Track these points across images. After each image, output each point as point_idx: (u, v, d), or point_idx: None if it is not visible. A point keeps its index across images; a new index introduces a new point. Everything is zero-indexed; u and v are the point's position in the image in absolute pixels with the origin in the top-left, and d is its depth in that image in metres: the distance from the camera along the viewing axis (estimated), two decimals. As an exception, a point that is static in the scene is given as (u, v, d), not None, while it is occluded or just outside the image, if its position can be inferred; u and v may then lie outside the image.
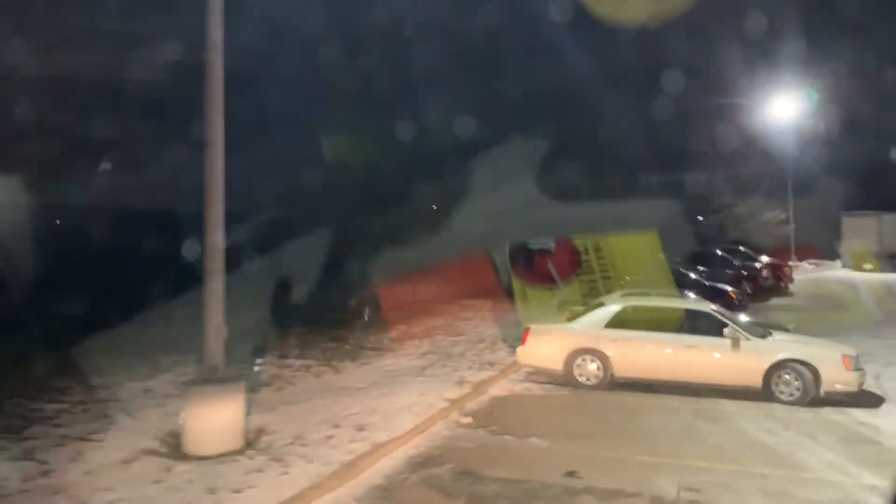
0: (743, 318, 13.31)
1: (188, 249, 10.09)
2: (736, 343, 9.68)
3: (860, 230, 33.71)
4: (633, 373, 10.25)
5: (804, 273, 33.48)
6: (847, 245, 35.30)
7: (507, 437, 8.04)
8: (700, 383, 9.87)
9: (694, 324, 10.11)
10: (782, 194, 39.38)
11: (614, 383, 10.30)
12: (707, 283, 18.71)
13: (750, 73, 40.21)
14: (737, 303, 17.96)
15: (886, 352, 12.97)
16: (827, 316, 18.71)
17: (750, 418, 8.77)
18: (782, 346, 9.74)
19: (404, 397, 9.21)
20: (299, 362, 11.37)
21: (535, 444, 7.81)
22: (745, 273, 23.41)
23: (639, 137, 32.86)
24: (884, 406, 9.28)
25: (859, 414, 8.89)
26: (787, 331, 12.19)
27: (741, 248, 28.79)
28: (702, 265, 23.15)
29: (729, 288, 18.76)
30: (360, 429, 7.83)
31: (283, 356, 11.76)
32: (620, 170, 30.89)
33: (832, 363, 9.30)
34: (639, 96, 33.19)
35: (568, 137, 28.96)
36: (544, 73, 31.77)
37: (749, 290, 22.04)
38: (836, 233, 37.05)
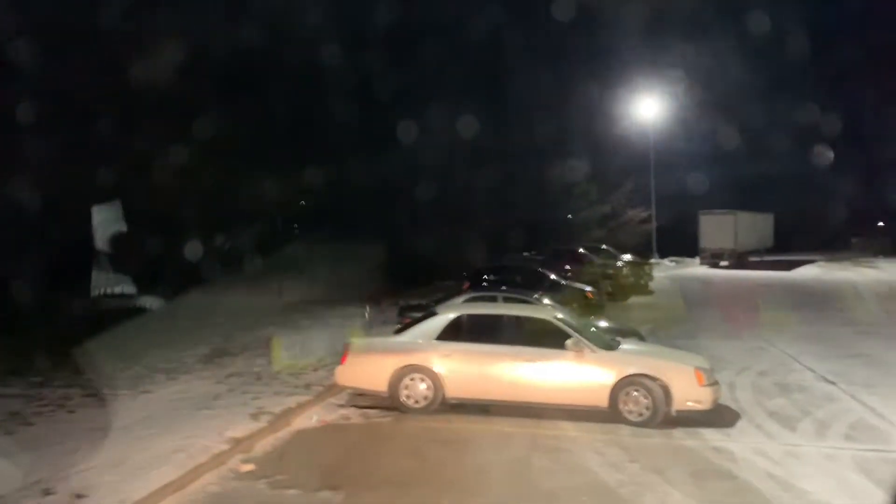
0: (601, 322, 12.28)
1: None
2: (580, 356, 8.36)
3: (717, 227, 34.54)
4: (467, 393, 8.72)
5: (665, 270, 33.89)
6: None
7: (291, 492, 6.23)
8: (541, 403, 8.50)
9: (534, 335, 8.71)
10: (646, 193, 40.03)
11: (447, 406, 8.74)
12: (563, 283, 17.77)
13: (615, 71, 40.73)
14: (594, 303, 17.15)
15: (741, 355, 12.27)
16: (684, 315, 18.24)
17: (593, 447, 7.43)
18: (630, 358, 8.52)
19: (174, 439, 7.18)
20: (59, 391, 9.03)
21: (325, 501, 6.05)
22: (606, 272, 22.97)
23: (505, 133, 32.14)
24: (739, 424, 8.22)
25: (713, 436, 7.77)
26: (640, 337, 11.17)
27: (603, 246, 28.56)
28: (565, 263, 22.55)
29: (587, 288, 17.92)
30: (82, 494, 5.75)
31: (43, 384, 9.38)
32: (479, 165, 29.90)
33: (684, 378, 8.15)
34: (503, 91, 32.53)
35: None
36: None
37: (610, 289, 21.57)
38: (695, 230, 37.88)
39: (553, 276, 18.23)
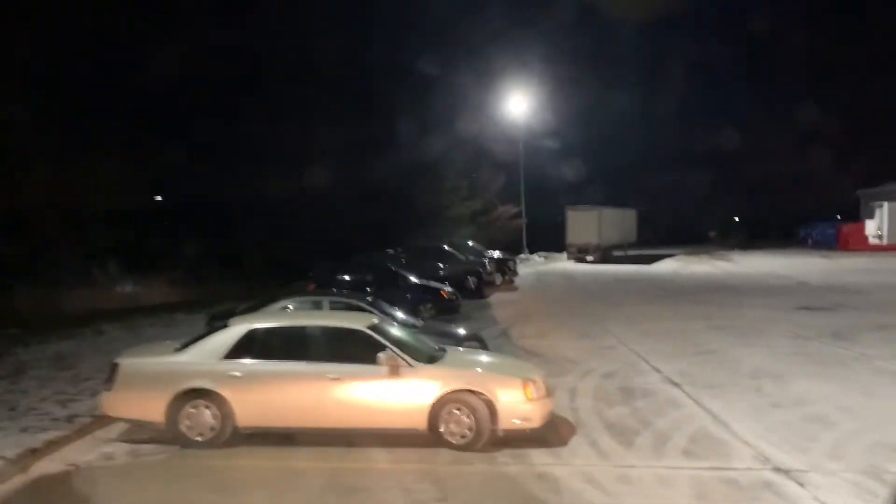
0: (453, 325, 11.25)
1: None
2: (395, 371, 7.12)
3: (582, 223, 34.73)
4: (263, 421, 7.27)
5: (534, 266, 33.73)
6: None
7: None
8: (351, 429, 7.22)
9: (343, 348, 7.39)
10: (516, 189, 39.91)
11: (241, 436, 7.26)
12: (418, 283, 16.66)
13: (484, 68, 40.30)
14: (449, 302, 16.15)
15: (589, 355, 11.53)
16: (540, 312, 17.60)
17: (400, 483, 6.21)
18: (453, 371, 7.35)
19: None
20: None
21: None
22: (470, 268, 22.16)
23: (372, 127, 30.91)
24: (572, 441, 7.26)
25: (541, 459, 6.75)
26: (481, 341, 10.13)
27: (470, 242, 27.88)
28: (430, 260, 21.58)
29: (445, 287, 16.90)
30: None
31: None
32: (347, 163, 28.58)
33: (511, 392, 7.08)
34: (370, 85, 31.30)
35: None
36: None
37: (473, 286, 20.79)
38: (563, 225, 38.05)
39: (413, 277, 17.07)
